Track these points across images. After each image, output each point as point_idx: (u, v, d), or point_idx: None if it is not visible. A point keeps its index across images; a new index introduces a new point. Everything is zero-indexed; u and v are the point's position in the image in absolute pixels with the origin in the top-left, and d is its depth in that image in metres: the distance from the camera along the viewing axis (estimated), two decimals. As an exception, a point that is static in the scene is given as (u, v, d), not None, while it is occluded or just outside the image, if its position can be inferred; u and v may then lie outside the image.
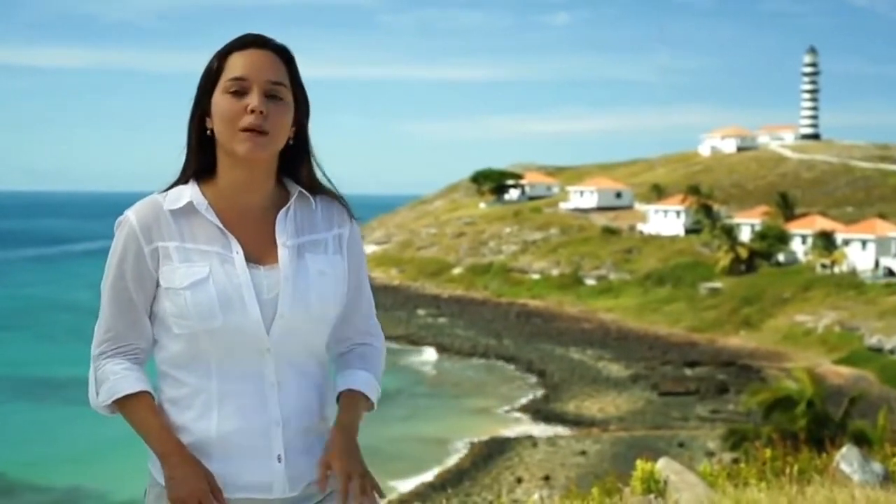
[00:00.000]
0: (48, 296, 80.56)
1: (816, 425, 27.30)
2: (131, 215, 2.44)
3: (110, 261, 2.45)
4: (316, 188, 2.55)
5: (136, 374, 2.44)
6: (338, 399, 2.55)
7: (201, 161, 2.50)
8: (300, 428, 2.45)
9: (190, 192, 2.47)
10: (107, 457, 31.45)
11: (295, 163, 2.54)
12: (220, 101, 2.43)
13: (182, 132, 2.53)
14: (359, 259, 2.60)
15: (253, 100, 2.40)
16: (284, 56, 2.49)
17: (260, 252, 2.45)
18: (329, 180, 2.59)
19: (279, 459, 2.42)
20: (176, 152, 2.54)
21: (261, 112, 2.40)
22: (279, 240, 2.46)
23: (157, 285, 2.43)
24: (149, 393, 2.44)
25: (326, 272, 2.49)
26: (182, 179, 2.51)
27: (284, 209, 2.50)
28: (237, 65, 2.43)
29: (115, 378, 2.42)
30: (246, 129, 2.40)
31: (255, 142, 2.40)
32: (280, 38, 2.52)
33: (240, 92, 2.42)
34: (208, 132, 2.47)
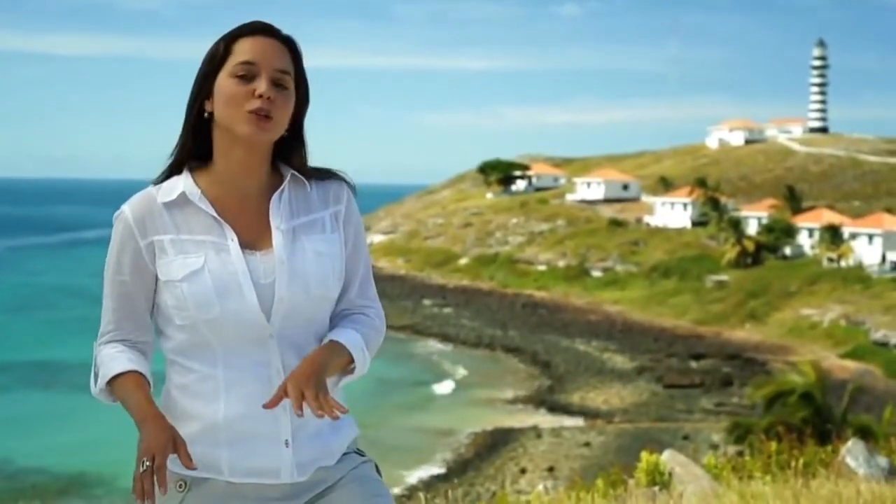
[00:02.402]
0: (60, 283, 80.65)
1: (818, 418, 27.27)
2: (127, 210, 2.45)
3: (109, 255, 2.46)
4: (308, 172, 2.55)
5: (129, 355, 2.43)
6: None
7: (195, 146, 2.49)
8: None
9: (183, 183, 2.47)
10: (114, 444, 31.47)
11: (288, 151, 2.53)
12: (227, 83, 2.42)
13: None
14: (356, 229, 2.57)
15: (261, 85, 2.41)
16: (291, 47, 2.50)
17: (255, 238, 2.45)
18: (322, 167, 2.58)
19: (286, 444, 2.42)
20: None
21: (268, 98, 2.41)
22: (273, 223, 2.46)
23: (157, 278, 2.44)
24: (139, 372, 2.40)
25: (324, 252, 2.47)
26: (173, 162, 2.50)
27: (278, 192, 2.49)
28: (246, 49, 2.43)
29: (109, 362, 2.42)
30: (252, 112, 2.40)
31: (259, 125, 2.40)
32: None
33: (247, 76, 2.42)
34: (206, 115, 2.46)
